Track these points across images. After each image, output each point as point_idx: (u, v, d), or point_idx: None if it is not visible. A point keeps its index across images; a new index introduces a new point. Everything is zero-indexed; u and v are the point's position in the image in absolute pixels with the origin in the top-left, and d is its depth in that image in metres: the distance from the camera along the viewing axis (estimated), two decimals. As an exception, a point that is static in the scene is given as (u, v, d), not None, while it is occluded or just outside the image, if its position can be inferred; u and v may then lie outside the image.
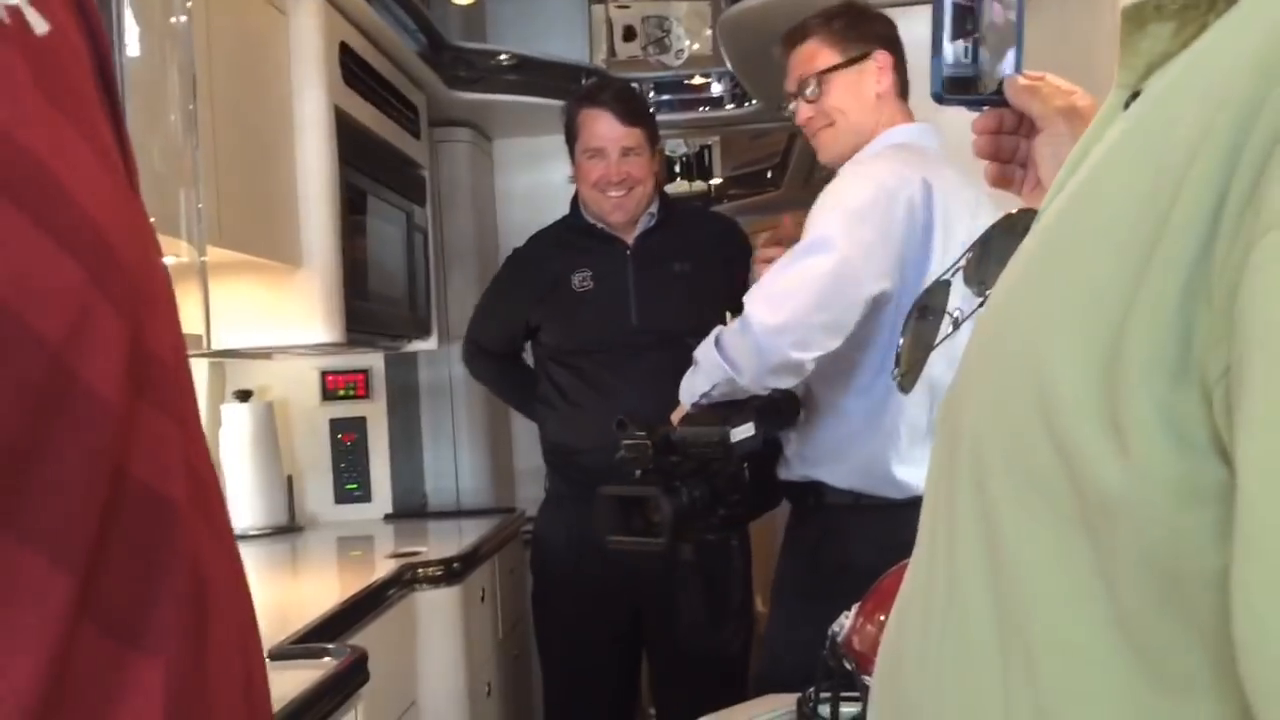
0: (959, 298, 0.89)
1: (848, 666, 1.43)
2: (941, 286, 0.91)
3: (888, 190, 1.96)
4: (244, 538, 2.80)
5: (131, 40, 1.50)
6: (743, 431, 1.87)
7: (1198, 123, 0.41)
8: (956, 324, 0.89)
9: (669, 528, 1.78)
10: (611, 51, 4.03)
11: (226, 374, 2.97)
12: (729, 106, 3.52)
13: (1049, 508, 0.46)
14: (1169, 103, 0.48)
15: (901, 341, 0.92)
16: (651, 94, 3.56)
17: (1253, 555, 0.37)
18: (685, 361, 2.55)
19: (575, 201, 2.75)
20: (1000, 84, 0.79)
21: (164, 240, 1.59)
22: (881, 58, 2.09)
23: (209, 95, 1.87)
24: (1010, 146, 0.92)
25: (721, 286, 2.63)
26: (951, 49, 0.78)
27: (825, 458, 2.08)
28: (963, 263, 0.88)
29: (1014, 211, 0.85)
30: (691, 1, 4.16)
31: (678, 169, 5.46)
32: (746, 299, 1.99)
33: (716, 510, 1.86)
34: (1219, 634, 0.39)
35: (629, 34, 4.05)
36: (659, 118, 3.54)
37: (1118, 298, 0.42)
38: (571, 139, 2.64)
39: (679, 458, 1.87)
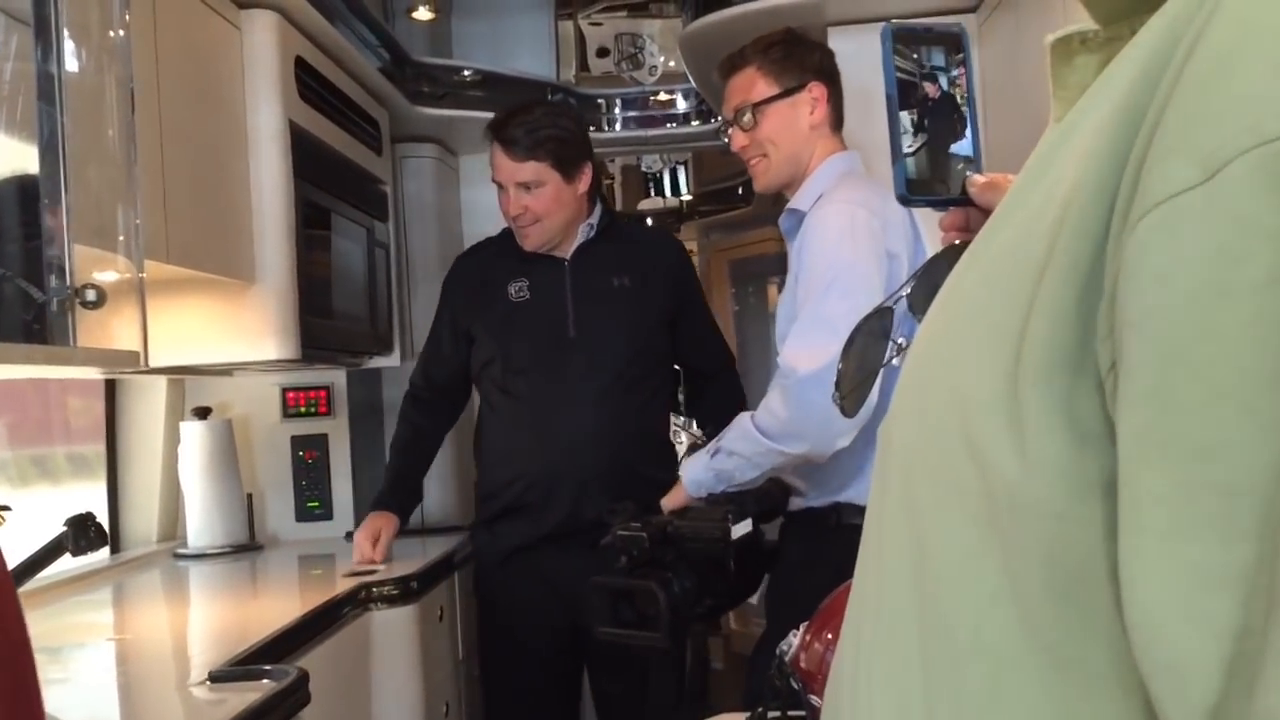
0: (904, 325, 0.89)
1: (794, 686, 1.43)
2: (884, 312, 0.91)
3: (869, 217, 1.97)
4: (203, 556, 2.78)
5: (68, 55, 1.48)
6: (742, 529, 1.86)
7: (1095, 129, 0.43)
8: (900, 349, 0.89)
9: (666, 624, 1.76)
10: (584, 67, 4.03)
11: (186, 391, 2.94)
12: (694, 123, 3.51)
13: (964, 511, 0.47)
14: (1075, 116, 0.49)
15: (840, 366, 0.92)
16: (618, 110, 3.55)
17: (1134, 529, 0.38)
18: (625, 385, 2.50)
19: None
20: (963, 184, 0.81)
21: (101, 256, 1.57)
22: (816, 89, 2.08)
23: (156, 111, 1.86)
24: None
25: (662, 302, 2.59)
26: (911, 150, 0.79)
27: (847, 483, 2.07)
28: (906, 290, 0.89)
29: (957, 242, 0.86)
30: (664, 19, 4.16)
31: (650, 184, 5.47)
32: (781, 360, 1.98)
33: (704, 600, 1.85)
34: (1118, 627, 0.39)
35: (602, 51, 4.05)
36: (625, 134, 3.56)
37: (1021, 299, 0.44)
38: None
39: (671, 548, 1.85)
